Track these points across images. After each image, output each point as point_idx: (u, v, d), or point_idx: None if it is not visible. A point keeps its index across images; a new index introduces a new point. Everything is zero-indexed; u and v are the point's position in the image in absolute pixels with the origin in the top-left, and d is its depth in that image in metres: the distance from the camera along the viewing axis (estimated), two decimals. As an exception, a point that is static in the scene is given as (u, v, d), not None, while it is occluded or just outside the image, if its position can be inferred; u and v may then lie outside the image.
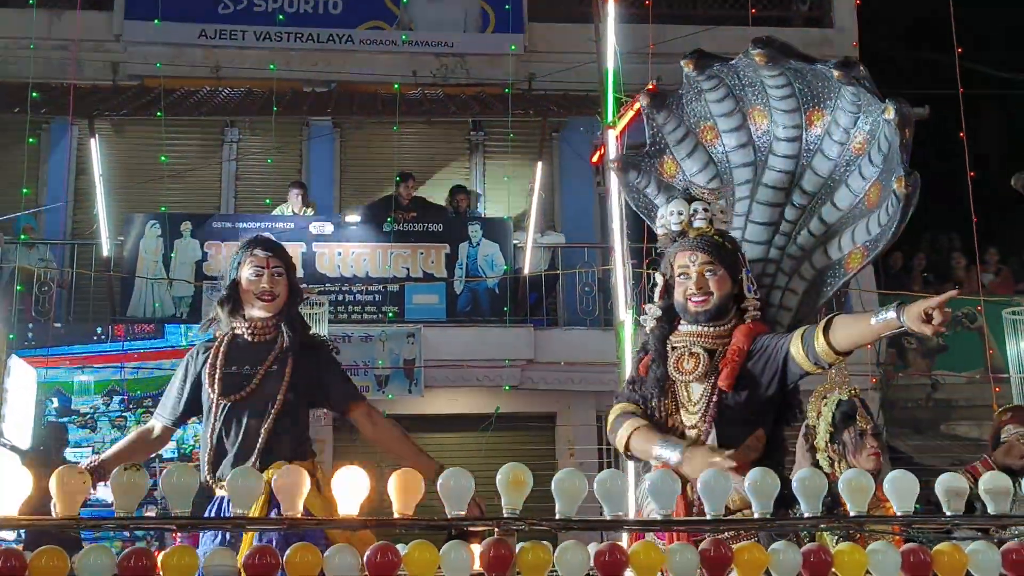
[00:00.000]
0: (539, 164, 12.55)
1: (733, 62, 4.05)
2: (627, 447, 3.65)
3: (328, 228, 12.18)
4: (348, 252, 12.01)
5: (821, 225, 4.10)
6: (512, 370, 11.78)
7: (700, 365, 3.63)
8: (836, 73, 3.76)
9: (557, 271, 12.45)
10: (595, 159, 12.76)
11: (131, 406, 10.78)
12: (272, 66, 13.48)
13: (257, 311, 4.18)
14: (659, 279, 3.87)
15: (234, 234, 12.05)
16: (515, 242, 12.40)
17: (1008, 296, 12.65)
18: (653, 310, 3.82)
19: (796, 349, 3.47)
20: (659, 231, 3.87)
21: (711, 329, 3.70)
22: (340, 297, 11.71)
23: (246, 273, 4.18)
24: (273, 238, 4.41)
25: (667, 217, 3.80)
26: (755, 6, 12.93)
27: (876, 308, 3.37)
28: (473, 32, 14.26)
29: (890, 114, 3.63)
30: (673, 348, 3.73)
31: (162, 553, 2.45)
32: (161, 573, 2.40)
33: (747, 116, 4.21)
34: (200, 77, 13.62)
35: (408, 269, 12.05)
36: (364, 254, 12.02)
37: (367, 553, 2.49)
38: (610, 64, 10.34)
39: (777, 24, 14.30)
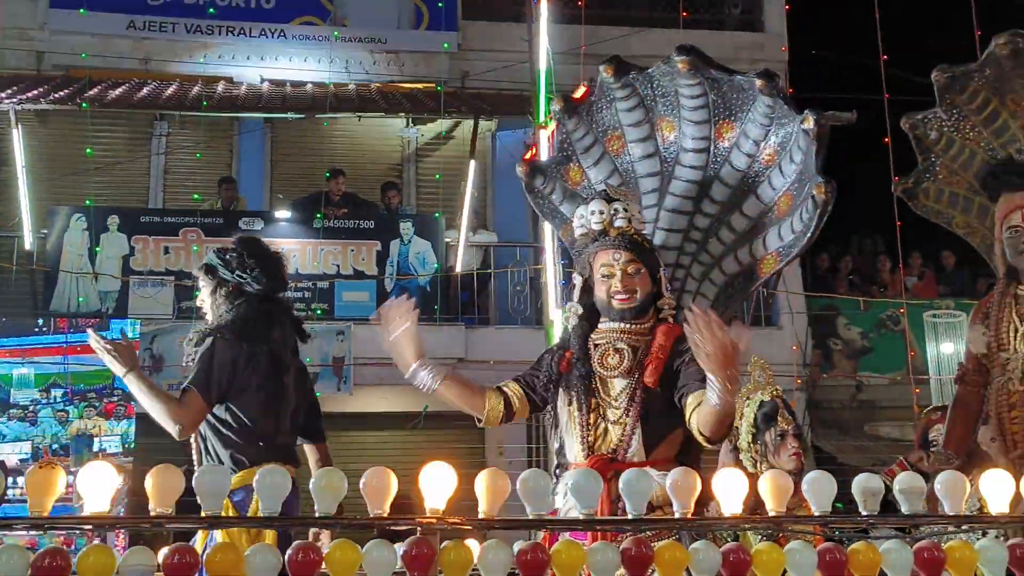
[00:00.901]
0: (472, 163, 12.54)
1: (650, 71, 4.16)
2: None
3: (258, 224, 12.06)
4: (278, 248, 11.86)
5: (730, 234, 4.21)
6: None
7: (624, 361, 3.68)
8: (759, 83, 3.88)
9: (489, 270, 12.45)
10: (528, 159, 12.77)
11: (74, 399, 10.55)
12: (202, 59, 13.32)
13: None
14: (577, 279, 3.91)
15: (162, 229, 11.91)
16: (447, 240, 12.38)
17: (930, 299, 12.90)
18: (575, 308, 3.86)
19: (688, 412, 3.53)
20: (577, 231, 3.91)
21: (634, 326, 3.75)
22: (269, 293, 11.57)
23: None
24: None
25: (587, 216, 3.83)
26: (687, 9, 13.03)
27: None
28: (406, 29, 14.22)
29: (809, 123, 3.75)
30: (596, 345, 3.77)
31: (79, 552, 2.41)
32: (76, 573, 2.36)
33: (655, 127, 4.31)
34: (128, 69, 13.41)
35: (338, 266, 11.98)
36: (294, 250, 11.89)
37: (288, 552, 2.47)
38: (542, 64, 10.39)
39: (709, 27, 14.45)
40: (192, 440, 4.26)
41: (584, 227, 3.86)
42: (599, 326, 3.82)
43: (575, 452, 3.71)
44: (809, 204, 3.83)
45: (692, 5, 14.08)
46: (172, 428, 4.09)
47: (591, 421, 3.69)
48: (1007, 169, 4.34)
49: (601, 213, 3.80)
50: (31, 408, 10.55)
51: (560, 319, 8.08)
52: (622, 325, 3.76)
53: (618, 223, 3.78)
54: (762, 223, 4.14)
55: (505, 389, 3.91)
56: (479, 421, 3.96)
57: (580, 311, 3.85)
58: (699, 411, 3.42)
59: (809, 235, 3.91)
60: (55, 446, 10.39)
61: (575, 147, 4.41)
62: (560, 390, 3.80)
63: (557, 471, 3.82)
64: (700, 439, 3.48)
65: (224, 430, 4.18)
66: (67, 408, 10.53)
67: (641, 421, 3.62)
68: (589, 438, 3.67)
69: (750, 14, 14.96)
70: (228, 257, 4.47)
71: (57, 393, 10.57)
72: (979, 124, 4.66)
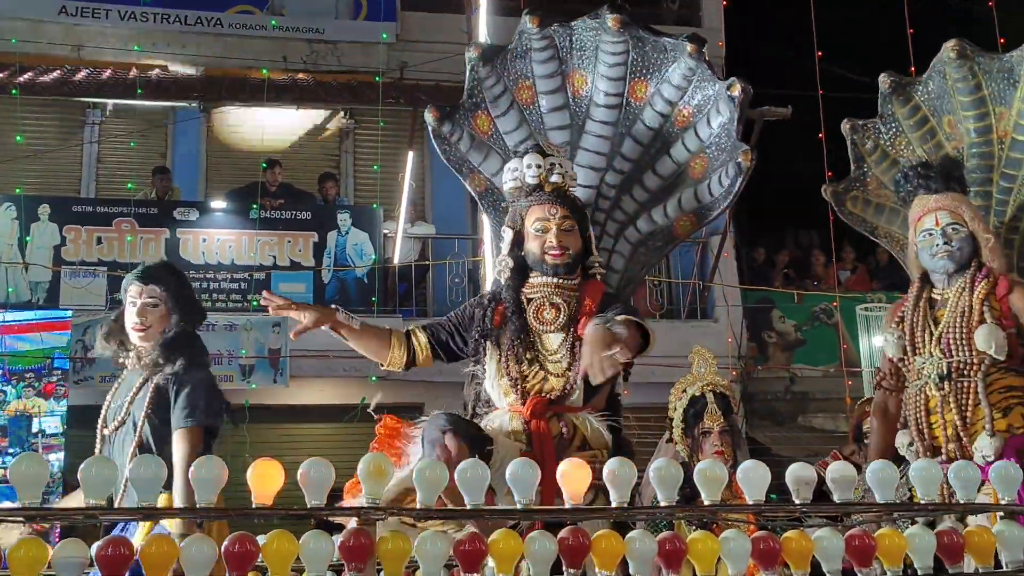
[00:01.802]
0: (410, 154, 12.48)
1: (573, 24, 4.31)
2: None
3: (193, 214, 11.93)
4: (213, 239, 11.77)
5: (644, 192, 4.36)
6: (380, 360, 11.67)
7: (561, 315, 3.74)
8: (690, 47, 4.11)
9: (427, 262, 12.42)
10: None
11: (12, 379, 10.34)
12: (136, 47, 13.12)
13: (137, 341, 4.10)
14: (507, 233, 3.94)
15: (94, 218, 11.73)
16: (385, 232, 12.33)
17: (863, 293, 13.09)
18: (506, 261, 3.89)
19: None
20: (509, 184, 3.95)
21: (565, 281, 3.81)
22: (205, 284, 11.47)
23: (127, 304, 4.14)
24: (158, 264, 4.37)
25: (523, 170, 3.88)
26: (625, 3, 13.09)
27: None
28: (345, 19, 14.13)
29: (735, 90, 3.98)
30: (529, 300, 3.81)
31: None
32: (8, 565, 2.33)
33: (567, 79, 4.42)
34: (60, 55, 13.18)
35: (275, 257, 11.87)
36: (229, 241, 11.80)
37: (224, 543, 2.45)
38: (482, 56, 10.36)
39: (646, 21, 14.49)
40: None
41: (518, 180, 3.90)
42: (531, 280, 3.86)
43: (508, 400, 3.76)
44: (730, 168, 3.97)
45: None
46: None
47: (527, 373, 3.74)
48: (920, 173, 4.37)
49: (538, 167, 3.86)
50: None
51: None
52: (556, 280, 3.83)
53: (553, 178, 3.85)
54: (674, 183, 4.31)
55: (412, 339, 3.98)
56: (381, 366, 4.03)
57: (511, 264, 3.88)
58: None
59: (729, 200, 4.12)
60: (-8, 426, 10.21)
61: (485, 95, 4.49)
62: (489, 343, 3.83)
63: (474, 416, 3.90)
64: None
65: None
66: (4, 388, 10.32)
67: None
68: (525, 386, 3.73)
69: (688, 9, 15.06)
70: (182, 284, 4.30)
71: (-8, 374, 10.37)
72: (914, 141, 4.75)
